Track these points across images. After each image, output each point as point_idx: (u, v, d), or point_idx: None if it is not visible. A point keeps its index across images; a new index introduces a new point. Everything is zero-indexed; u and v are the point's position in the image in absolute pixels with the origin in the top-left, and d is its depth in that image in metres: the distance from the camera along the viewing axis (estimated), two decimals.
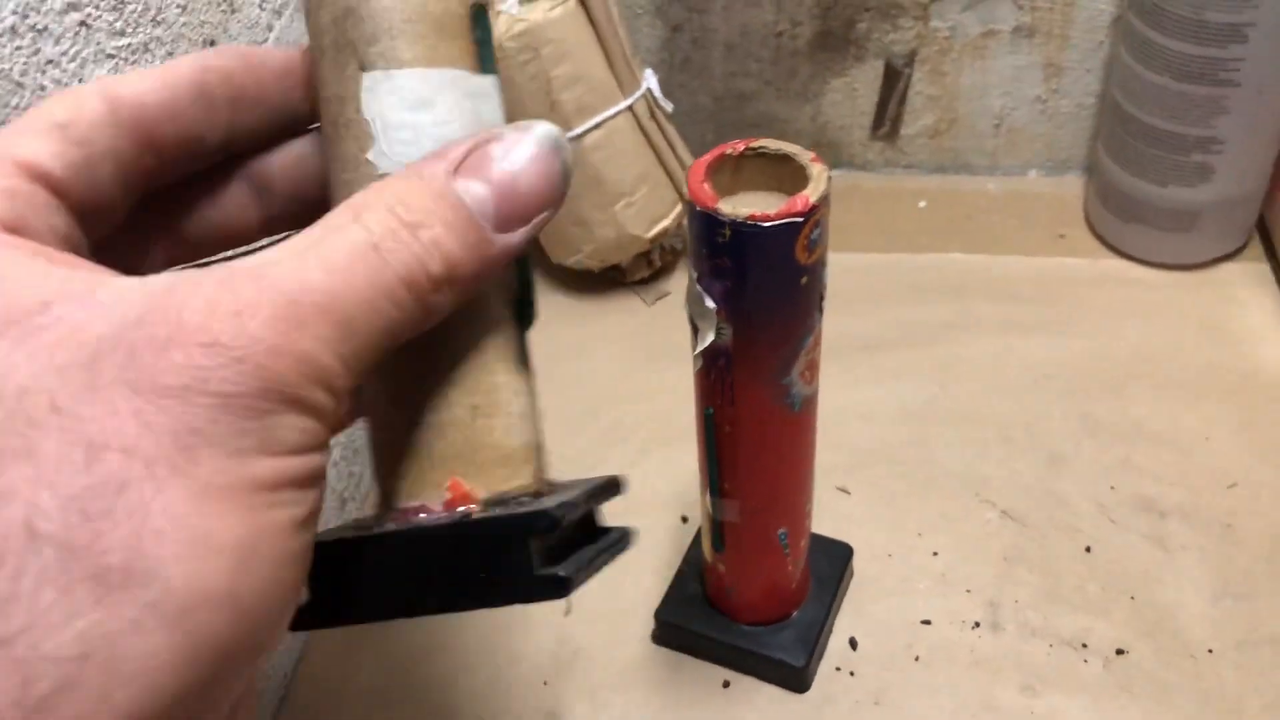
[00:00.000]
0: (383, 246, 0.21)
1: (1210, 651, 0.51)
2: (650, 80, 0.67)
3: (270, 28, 0.49)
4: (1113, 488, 0.58)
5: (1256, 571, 0.54)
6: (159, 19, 0.40)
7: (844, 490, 0.59)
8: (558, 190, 0.23)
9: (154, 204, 0.27)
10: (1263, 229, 0.71)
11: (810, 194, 0.36)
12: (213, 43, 0.44)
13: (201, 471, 0.19)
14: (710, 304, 0.38)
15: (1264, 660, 0.50)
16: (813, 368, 0.42)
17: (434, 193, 0.22)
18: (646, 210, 0.68)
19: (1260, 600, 0.53)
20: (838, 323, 0.68)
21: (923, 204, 0.76)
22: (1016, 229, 0.74)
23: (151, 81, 0.25)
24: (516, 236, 0.23)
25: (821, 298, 0.40)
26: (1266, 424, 0.60)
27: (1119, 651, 0.51)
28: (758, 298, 0.38)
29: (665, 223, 0.68)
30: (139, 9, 0.39)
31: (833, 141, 0.77)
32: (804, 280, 0.38)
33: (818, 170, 0.37)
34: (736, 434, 0.43)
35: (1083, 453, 0.60)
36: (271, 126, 0.28)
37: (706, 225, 0.37)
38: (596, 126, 0.64)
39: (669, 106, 0.68)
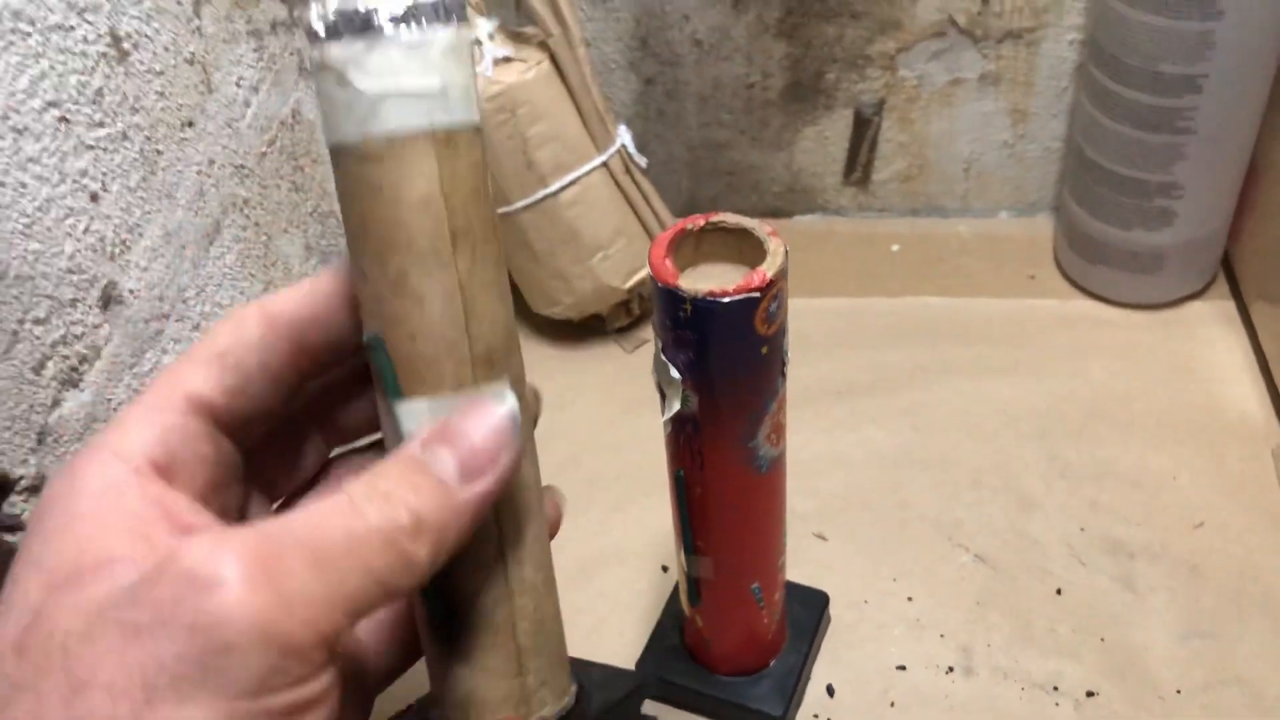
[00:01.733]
0: (357, 503, 0.24)
1: (1179, 692, 0.52)
2: (624, 136, 0.68)
3: (248, 104, 0.50)
4: (1083, 529, 0.59)
5: (1223, 611, 0.55)
6: (137, 106, 0.42)
7: (821, 536, 0.60)
8: (504, 435, 0.27)
9: (311, 401, 0.31)
10: (1228, 267, 0.72)
11: (767, 269, 0.37)
12: (191, 124, 0.45)
13: (166, 709, 0.21)
14: (675, 374, 0.40)
15: (1231, 700, 0.51)
16: (778, 430, 0.43)
17: (404, 463, 0.25)
18: (623, 262, 0.69)
19: (1226, 640, 0.54)
20: (813, 368, 0.70)
21: (896, 247, 0.78)
22: (987, 271, 0.75)
23: (301, 296, 0.29)
24: (479, 486, 0.26)
25: (784, 364, 0.41)
26: (1232, 463, 0.62)
27: (1089, 694, 0.52)
28: (720, 368, 0.39)
29: (642, 273, 0.70)
30: (117, 100, 0.40)
31: (806, 187, 0.79)
32: (765, 350, 0.39)
33: (775, 245, 0.38)
34: (706, 495, 0.44)
35: (1053, 494, 0.61)
36: None
37: (669, 300, 0.38)
38: (572, 183, 0.66)
39: (643, 161, 0.69)
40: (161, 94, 0.43)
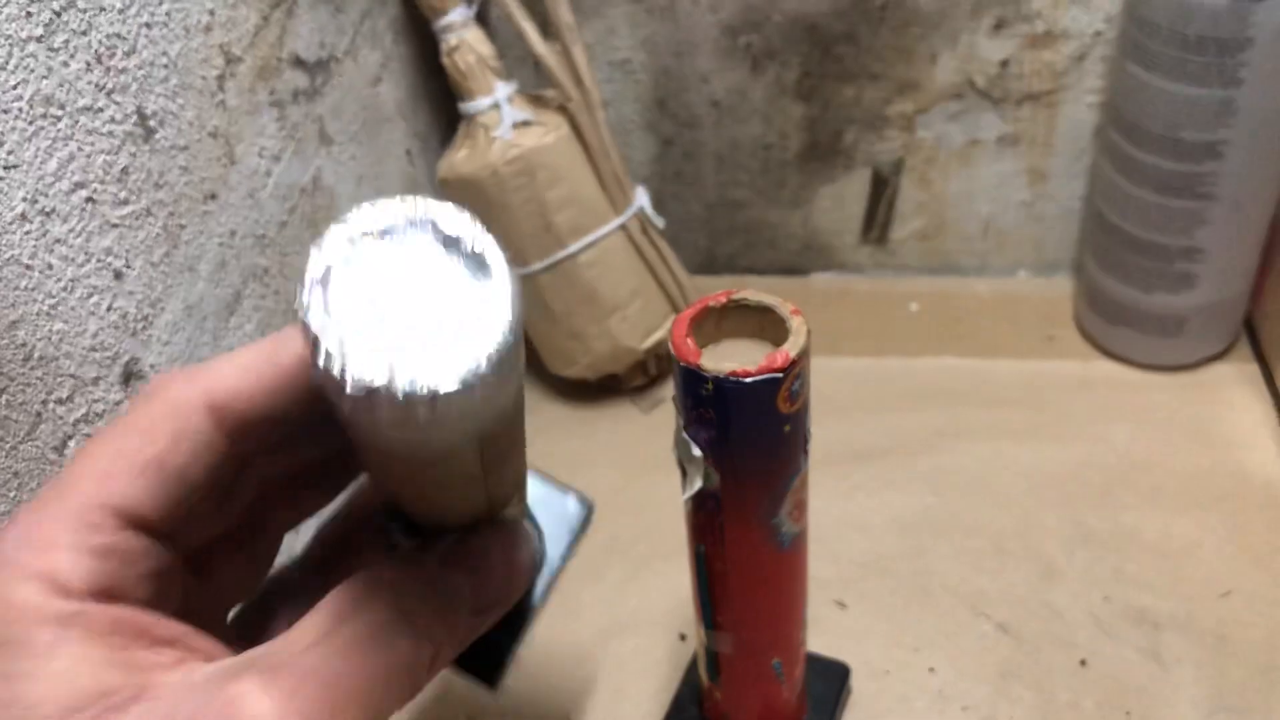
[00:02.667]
0: (388, 635, 0.23)
1: None
2: (642, 198, 0.68)
3: (269, 173, 0.50)
4: (1106, 598, 0.58)
5: (1251, 684, 0.54)
6: (161, 183, 0.42)
7: (840, 604, 0.60)
8: (522, 582, 0.27)
9: (260, 491, 0.28)
10: (1250, 328, 0.72)
11: (790, 349, 0.37)
12: (214, 197, 0.45)
13: None
14: (697, 452, 0.39)
15: None
16: (800, 507, 0.43)
17: (426, 583, 0.25)
18: (641, 322, 0.69)
19: (1255, 714, 0.53)
20: (832, 430, 0.70)
21: (914, 306, 0.77)
22: (1007, 331, 0.75)
23: (246, 375, 0.25)
24: (490, 618, 0.26)
25: (806, 440, 0.41)
26: (1257, 530, 0.61)
27: None
28: (742, 447, 0.39)
29: (659, 334, 0.70)
30: (142, 176, 0.40)
31: (824, 245, 0.79)
32: (787, 428, 0.39)
33: (797, 323, 0.38)
34: (728, 572, 0.43)
35: (1076, 562, 0.60)
36: None
37: (690, 379, 0.38)
38: (590, 245, 0.66)
39: (660, 222, 0.69)
40: (185, 169, 0.43)
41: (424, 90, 0.69)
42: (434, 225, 0.24)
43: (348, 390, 0.21)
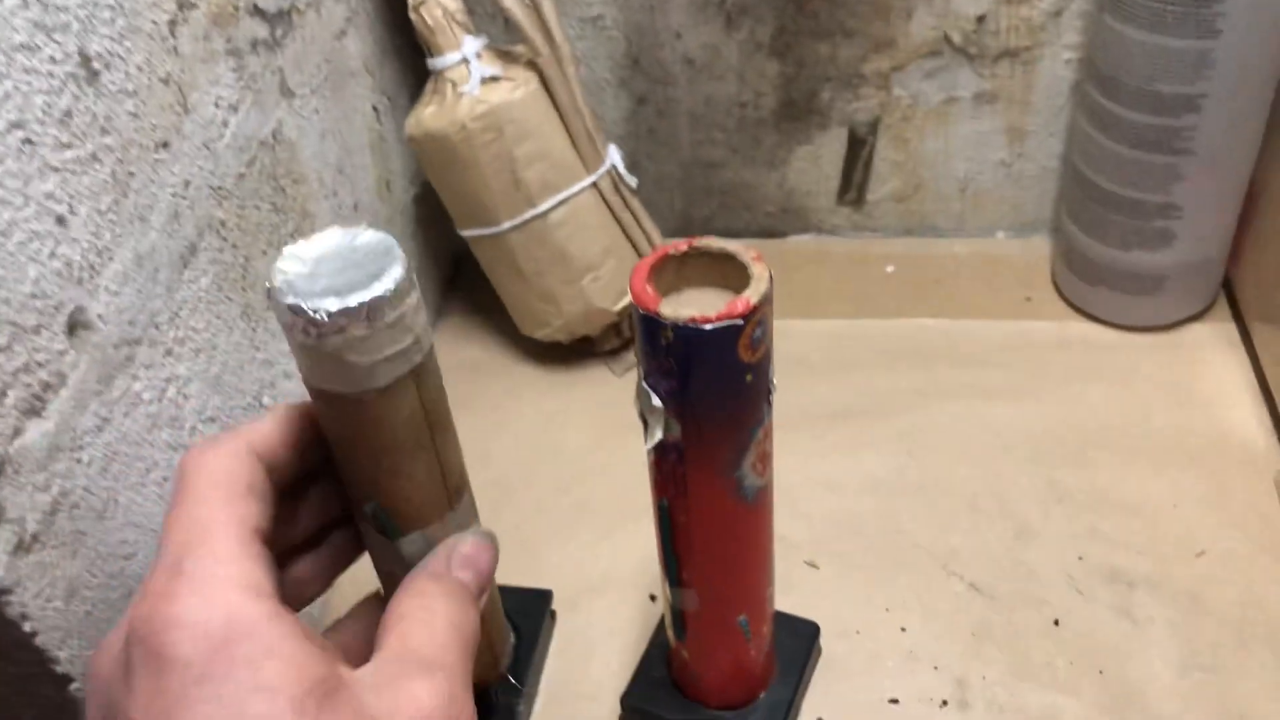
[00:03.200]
0: (453, 620, 0.34)
1: None
2: (614, 156, 0.67)
3: (226, 124, 0.49)
4: (1081, 558, 0.58)
5: (1225, 643, 0.54)
6: (108, 128, 0.40)
7: (812, 564, 0.59)
8: (494, 563, 0.38)
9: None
10: (1228, 289, 0.71)
11: (751, 295, 0.36)
12: (166, 145, 0.44)
13: None
14: (657, 402, 0.39)
15: None
16: (764, 459, 0.42)
17: (451, 584, 0.36)
18: (613, 283, 0.68)
19: (1229, 673, 0.52)
20: (806, 390, 0.69)
21: (890, 268, 0.77)
22: (984, 292, 0.74)
23: (275, 432, 0.35)
24: (485, 596, 0.36)
25: (770, 391, 0.40)
26: (1234, 489, 0.60)
27: None
28: (703, 396, 0.38)
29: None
30: (86, 120, 0.39)
31: (800, 207, 0.78)
32: (749, 378, 0.38)
33: (759, 270, 0.37)
34: (691, 526, 0.43)
35: (1050, 522, 0.60)
36: None
37: (650, 327, 0.37)
38: (561, 203, 0.65)
39: (633, 181, 0.68)
40: (134, 115, 0.42)
41: (391, 45, 0.68)
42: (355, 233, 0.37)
43: (312, 317, 0.33)
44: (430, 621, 0.32)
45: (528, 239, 0.65)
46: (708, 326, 0.36)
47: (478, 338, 0.75)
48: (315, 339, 0.34)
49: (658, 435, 0.39)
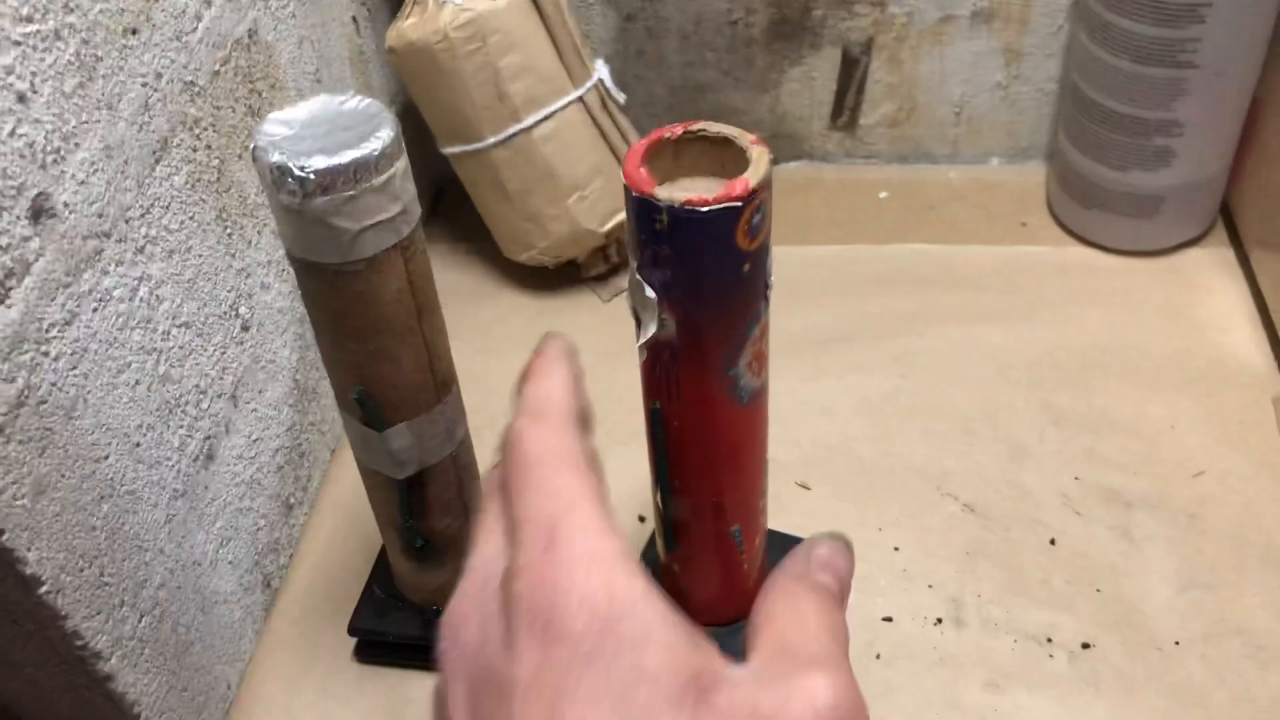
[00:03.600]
0: (820, 630, 0.29)
1: (1177, 644, 0.50)
2: (602, 70, 0.65)
3: (199, 17, 0.47)
4: (1077, 479, 0.57)
5: (1222, 561, 0.53)
6: (72, 5, 0.38)
7: (804, 486, 0.58)
8: (852, 571, 0.33)
9: None
10: (1226, 214, 0.70)
11: (750, 178, 0.35)
12: (135, 32, 0.42)
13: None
14: (650, 294, 0.37)
15: (1231, 652, 0.49)
16: (760, 359, 0.40)
17: (821, 592, 0.31)
18: (600, 204, 0.66)
19: (1226, 590, 0.51)
20: (798, 316, 0.67)
21: (883, 195, 0.75)
22: (978, 218, 0.73)
23: (574, 394, 0.31)
24: (846, 601, 0.32)
25: (768, 286, 0.39)
26: (1231, 411, 0.59)
27: (1084, 646, 0.50)
28: (699, 286, 0.37)
29: (620, 216, 0.67)
30: None
31: (791, 133, 0.76)
32: (746, 267, 0.36)
33: (758, 153, 0.36)
34: (684, 429, 0.41)
35: (1046, 444, 0.59)
36: None
37: (643, 211, 0.35)
38: (547, 118, 0.63)
39: (621, 97, 0.66)
40: None
41: None
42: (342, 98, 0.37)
43: (297, 175, 0.34)
44: (803, 621, 0.29)
45: (512, 155, 0.64)
46: (704, 209, 0.34)
47: (461, 264, 0.73)
48: (300, 199, 0.33)
49: (651, 330, 0.38)
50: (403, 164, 0.36)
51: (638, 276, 0.37)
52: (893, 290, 0.68)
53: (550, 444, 0.29)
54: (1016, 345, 0.64)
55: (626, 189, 0.36)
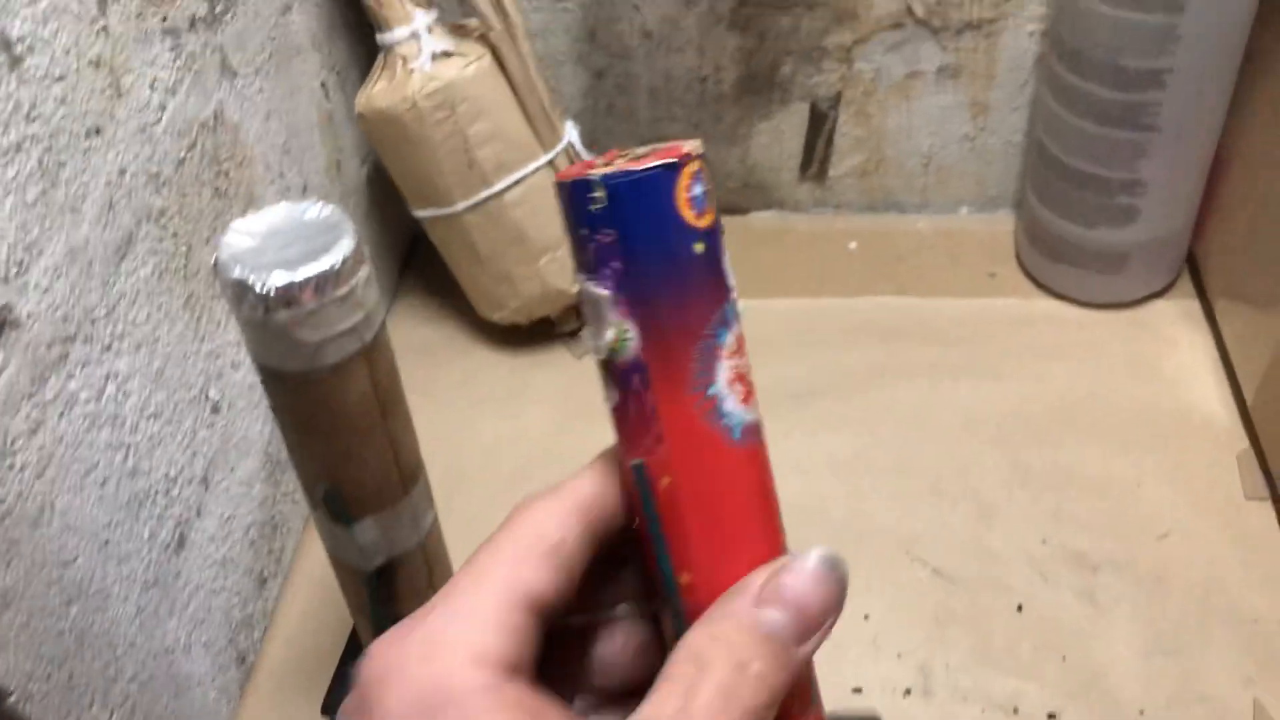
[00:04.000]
0: (728, 689, 0.24)
1: (1141, 713, 0.50)
2: (572, 133, 0.65)
3: (164, 107, 0.47)
4: (1044, 541, 0.57)
5: (1188, 625, 0.53)
6: (34, 115, 0.39)
7: None
8: (838, 602, 0.27)
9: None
10: (1192, 265, 0.71)
11: (684, 146, 0.32)
12: (99, 132, 0.42)
13: None
14: (603, 290, 0.32)
15: (1195, 719, 0.50)
16: (745, 384, 0.33)
17: (748, 629, 0.25)
18: (571, 264, 0.66)
19: (1191, 656, 0.52)
20: (769, 370, 0.67)
21: (853, 245, 0.76)
22: (947, 269, 0.73)
23: (596, 485, 0.28)
24: (810, 646, 0.26)
25: (731, 290, 0.34)
26: (1197, 468, 0.60)
27: (1050, 715, 0.50)
28: (650, 270, 0.30)
29: None
30: (8, 108, 0.37)
31: (762, 183, 0.76)
32: (699, 247, 0.30)
33: (693, 143, 0.34)
34: (677, 485, 0.34)
35: (1014, 503, 0.59)
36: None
37: (579, 197, 0.31)
38: (517, 183, 0.63)
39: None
40: (62, 101, 0.40)
41: (341, 20, 0.66)
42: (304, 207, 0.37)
43: (259, 291, 0.34)
44: (694, 688, 0.24)
45: (483, 219, 0.64)
46: (639, 169, 0.31)
47: (434, 319, 0.73)
48: (263, 314, 0.33)
49: (608, 335, 0.32)
50: (364, 273, 0.37)
51: (587, 285, 0.33)
52: (863, 343, 0.69)
53: (526, 520, 0.27)
54: (984, 400, 0.64)
55: (559, 185, 0.32)
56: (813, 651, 0.26)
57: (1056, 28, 0.62)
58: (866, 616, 0.55)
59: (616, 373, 0.32)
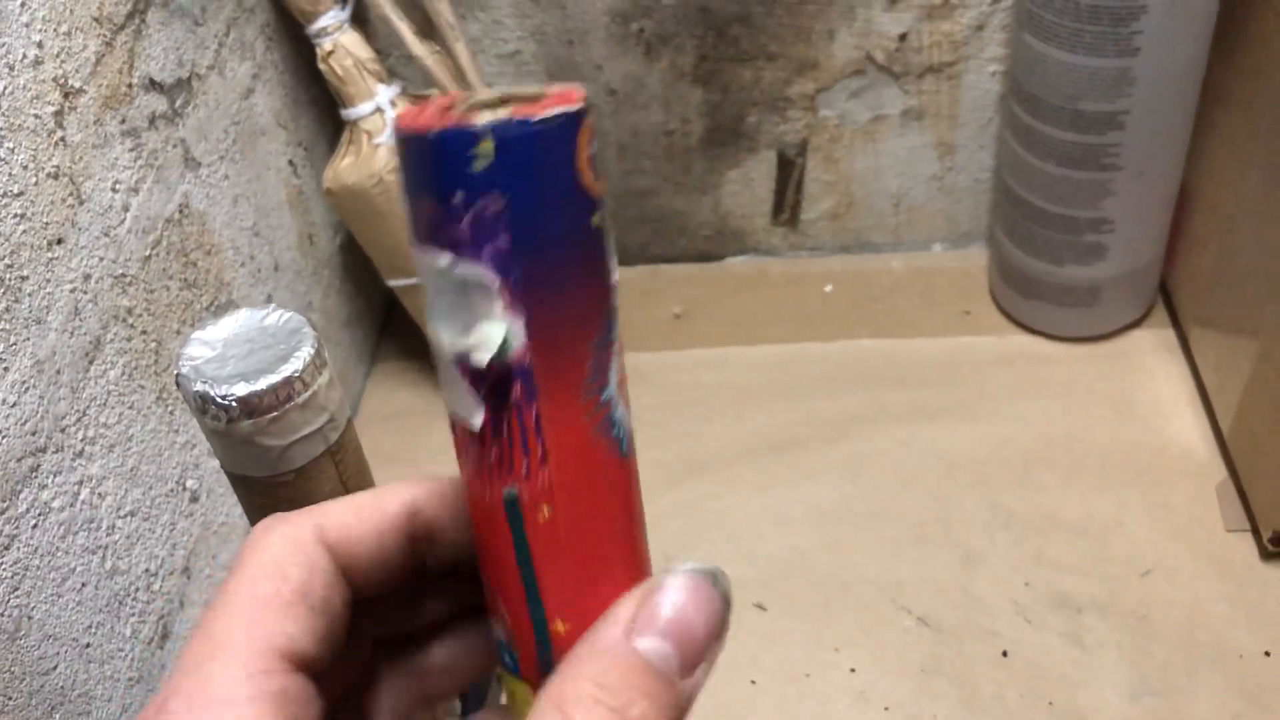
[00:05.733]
0: None
1: None
2: None
3: (127, 208, 0.47)
4: (1027, 584, 0.58)
5: (1173, 663, 0.54)
6: None
7: (760, 607, 0.58)
8: (723, 621, 0.23)
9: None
10: (1165, 292, 0.71)
11: (566, 89, 0.24)
12: (60, 241, 0.43)
13: None
14: (483, 273, 0.23)
15: None
16: (625, 385, 0.26)
17: (624, 665, 0.21)
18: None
19: (1178, 695, 0.52)
20: (748, 421, 0.68)
21: (829, 288, 0.76)
22: (922, 308, 0.74)
23: (363, 528, 0.24)
24: (696, 678, 0.22)
25: (615, 273, 0.26)
26: (1177, 502, 0.60)
27: None
28: (545, 247, 0.23)
29: None
30: None
31: (736, 230, 0.77)
32: (596, 219, 0.24)
33: (569, 84, 0.23)
34: (559, 514, 0.24)
35: (996, 547, 0.59)
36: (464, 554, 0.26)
37: (452, 152, 0.22)
38: None
39: None
40: (22, 216, 0.41)
41: (305, 97, 0.66)
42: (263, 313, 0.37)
43: (220, 404, 0.34)
44: None
45: None
46: (538, 118, 0.22)
47: (413, 383, 0.74)
48: (225, 425, 0.34)
49: (483, 334, 0.23)
50: (326, 377, 0.37)
51: (453, 266, 0.23)
52: (840, 390, 0.69)
53: (262, 557, 0.23)
54: (964, 443, 0.65)
55: (411, 137, 0.23)
56: (700, 686, 0.22)
57: (1014, 73, 0.62)
58: (853, 670, 0.55)
59: (488, 382, 0.25)
